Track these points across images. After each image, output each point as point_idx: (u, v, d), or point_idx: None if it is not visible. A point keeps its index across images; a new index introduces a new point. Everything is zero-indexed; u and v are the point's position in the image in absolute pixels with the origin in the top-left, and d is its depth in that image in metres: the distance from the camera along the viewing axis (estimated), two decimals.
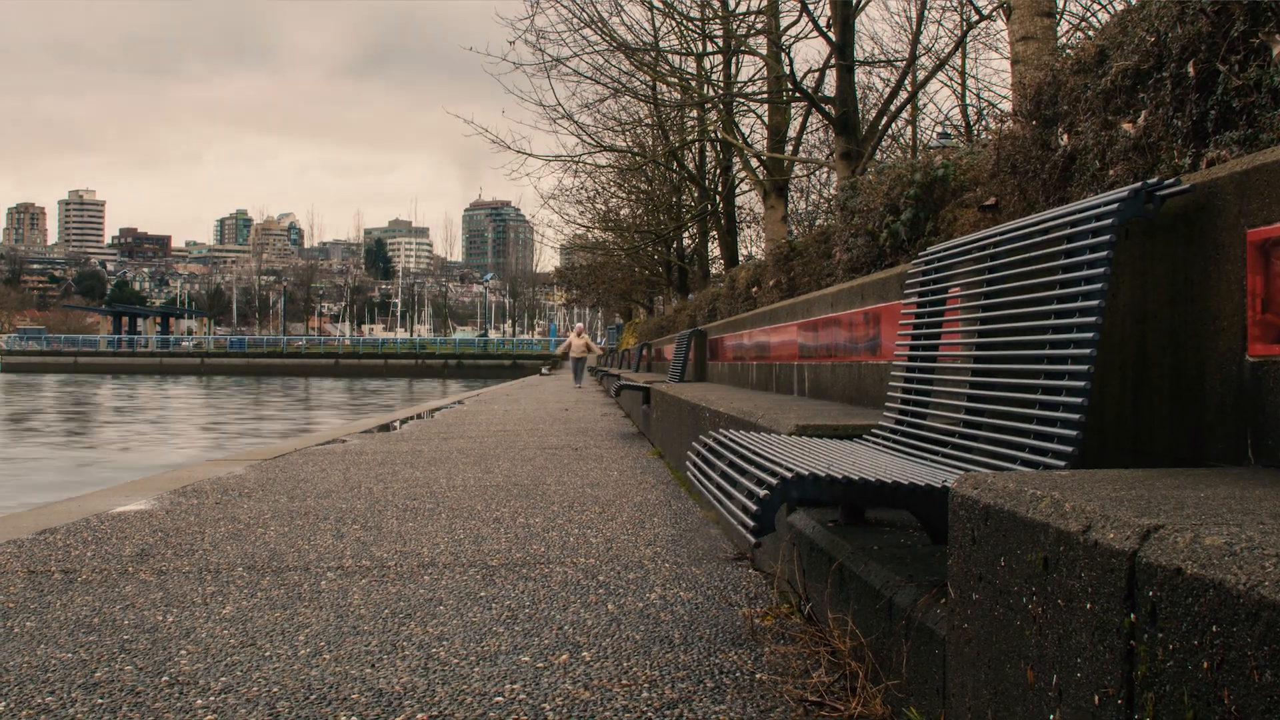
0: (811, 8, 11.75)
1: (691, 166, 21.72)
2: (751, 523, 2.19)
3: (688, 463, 3.18)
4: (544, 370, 30.05)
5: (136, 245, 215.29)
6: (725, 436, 3.12)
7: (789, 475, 2.21)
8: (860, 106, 12.27)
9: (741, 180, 19.67)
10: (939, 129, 19.66)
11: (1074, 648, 1.34)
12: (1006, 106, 12.20)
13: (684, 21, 13.56)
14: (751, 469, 2.44)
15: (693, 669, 2.57)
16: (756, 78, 16.11)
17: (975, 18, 13.39)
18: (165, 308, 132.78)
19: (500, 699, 2.37)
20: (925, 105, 20.86)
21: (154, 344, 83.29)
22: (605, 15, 13.21)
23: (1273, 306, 1.82)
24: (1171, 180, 2.13)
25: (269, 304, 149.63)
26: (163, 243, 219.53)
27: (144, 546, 4.28)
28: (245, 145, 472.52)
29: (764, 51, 13.03)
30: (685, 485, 6.20)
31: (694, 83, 15.26)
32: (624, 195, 27.74)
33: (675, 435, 7.37)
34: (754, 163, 15.48)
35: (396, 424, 12.26)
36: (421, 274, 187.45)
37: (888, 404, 3.37)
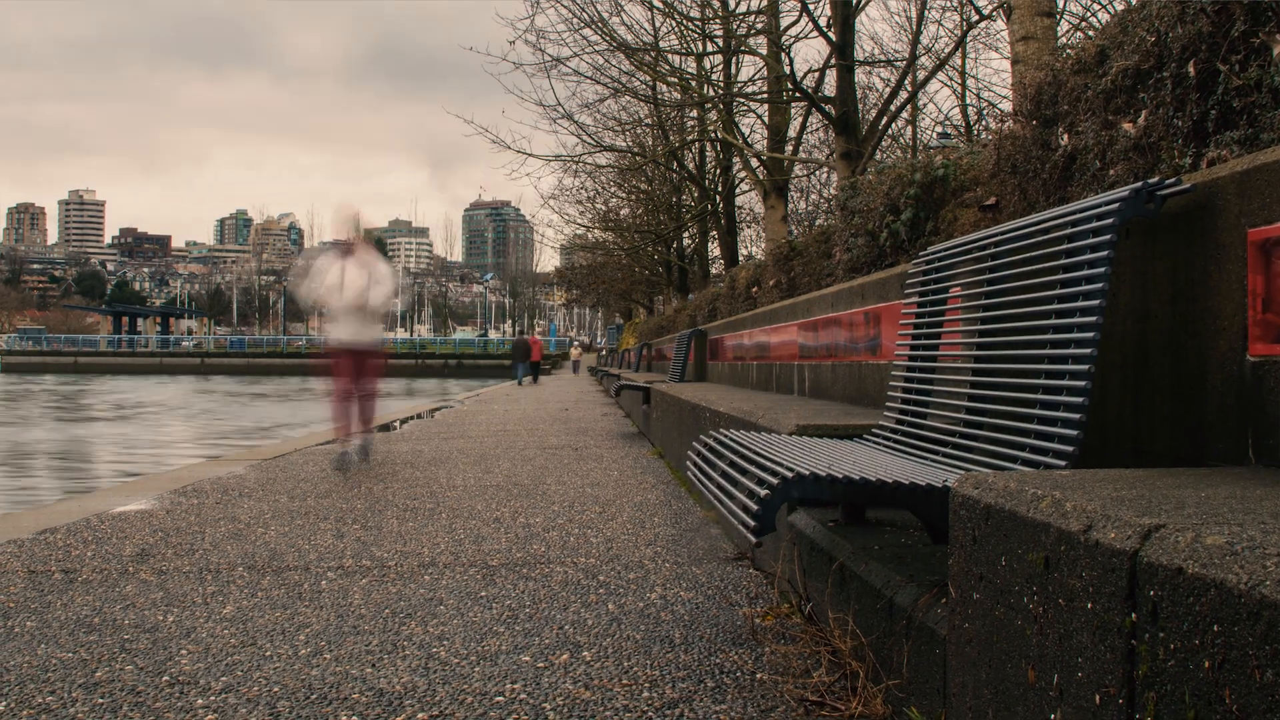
0: (811, 8, 11.76)
1: (691, 166, 21.70)
2: (752, 522, 2.19)
3: (688, 462, 3.18)
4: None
5: (136, 245, 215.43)
6: (725, 436, 3.12)
7: (789, 475, 2.21)
8: (860, 106, 12.27)
9: (741, 180, 19.67)
10: (939, 129, 19.69)
11: (1075, 647, 1.34)
12: (1006, 106, 12.21)
13: (684, 21, 13.55)
14: (752, 469, 2.44)
15: (693, 669, 2.57)
16: (756, 77, 16.12)
17: (975, 18, 13.40)
18: (165, 308, 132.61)
19: (501, 699, 2.37)
20: (925, 105, 20.88)
21: (154, 344, 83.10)
22: (605, 15, 13.20)
23: (1273, 306, 1.82)
24: (1172, 180, 2.13)
25: (269, 304, 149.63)
26: (163, 243, 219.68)
27: (144, 546, 4.28)
28: (246, 147, 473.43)
29: (764, 51, 13.02)
30: (685, 485, 6.20)
31: (694, 83, 15.24)
32: (624, 195, 27.73)
33: (675, 435, 7.37)
34: (754, 163, 15.47)
35: (396, 424, 12.26)
36: (422, 274, 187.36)
37: (888, 404, 3.37)
